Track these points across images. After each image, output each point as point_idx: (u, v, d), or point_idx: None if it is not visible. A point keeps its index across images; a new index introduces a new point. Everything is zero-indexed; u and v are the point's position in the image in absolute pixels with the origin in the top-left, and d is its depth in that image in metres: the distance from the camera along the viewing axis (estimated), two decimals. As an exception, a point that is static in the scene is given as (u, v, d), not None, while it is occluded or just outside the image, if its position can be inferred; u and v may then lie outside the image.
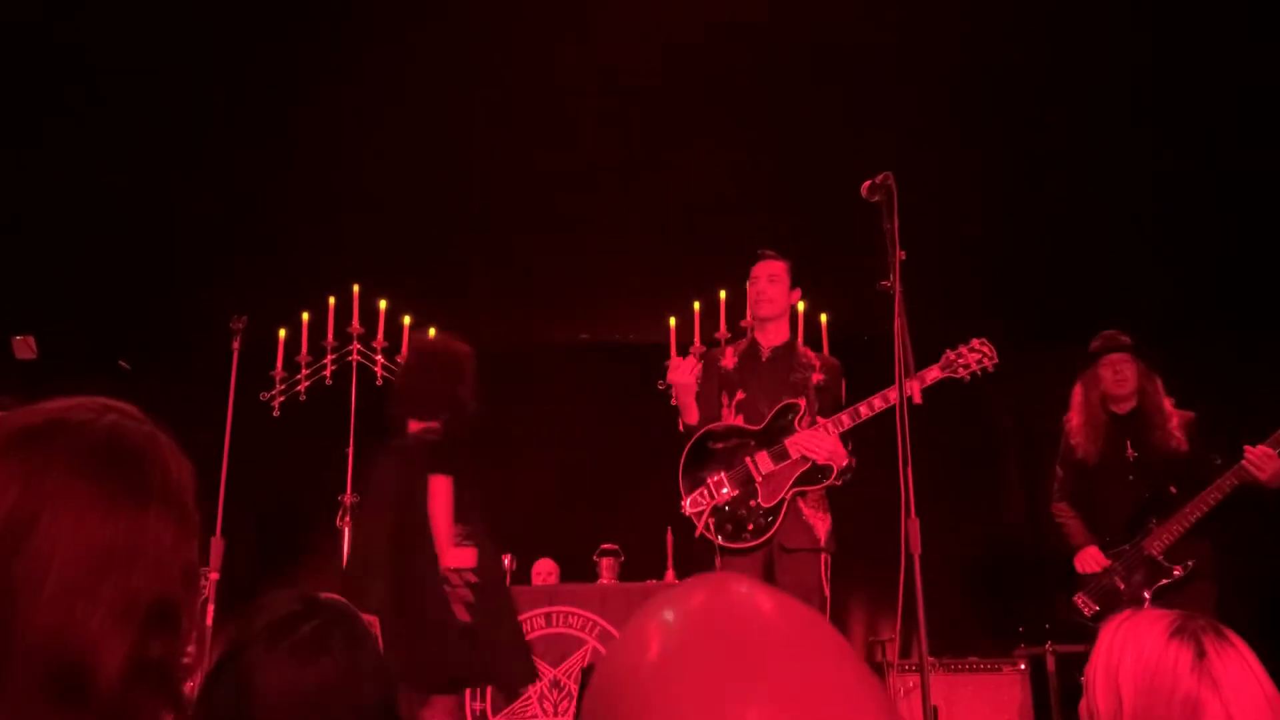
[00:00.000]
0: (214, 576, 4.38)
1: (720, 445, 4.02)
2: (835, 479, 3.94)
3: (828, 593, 3.91)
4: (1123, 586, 4.14)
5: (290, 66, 5.15)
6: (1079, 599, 4.24)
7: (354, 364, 5.73)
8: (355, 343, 5.74)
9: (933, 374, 3.90)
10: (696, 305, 5.77)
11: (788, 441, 3.92)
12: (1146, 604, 4.03)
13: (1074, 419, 4.44)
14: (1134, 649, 1.35)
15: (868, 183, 3.24)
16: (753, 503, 3.91)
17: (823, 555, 3.92)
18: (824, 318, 5.77)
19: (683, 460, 4.03)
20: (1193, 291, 6.02)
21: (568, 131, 5.54)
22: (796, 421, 3.97)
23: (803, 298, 5.55)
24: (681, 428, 4.13)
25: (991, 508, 7.03)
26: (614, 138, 5.56)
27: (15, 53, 4.88)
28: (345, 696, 1.28)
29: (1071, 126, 5.35)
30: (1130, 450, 4.30)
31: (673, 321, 5.88)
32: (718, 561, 3.93)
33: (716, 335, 5.62)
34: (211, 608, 4.35)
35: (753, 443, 3.98)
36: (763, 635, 0.62)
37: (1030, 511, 6.48)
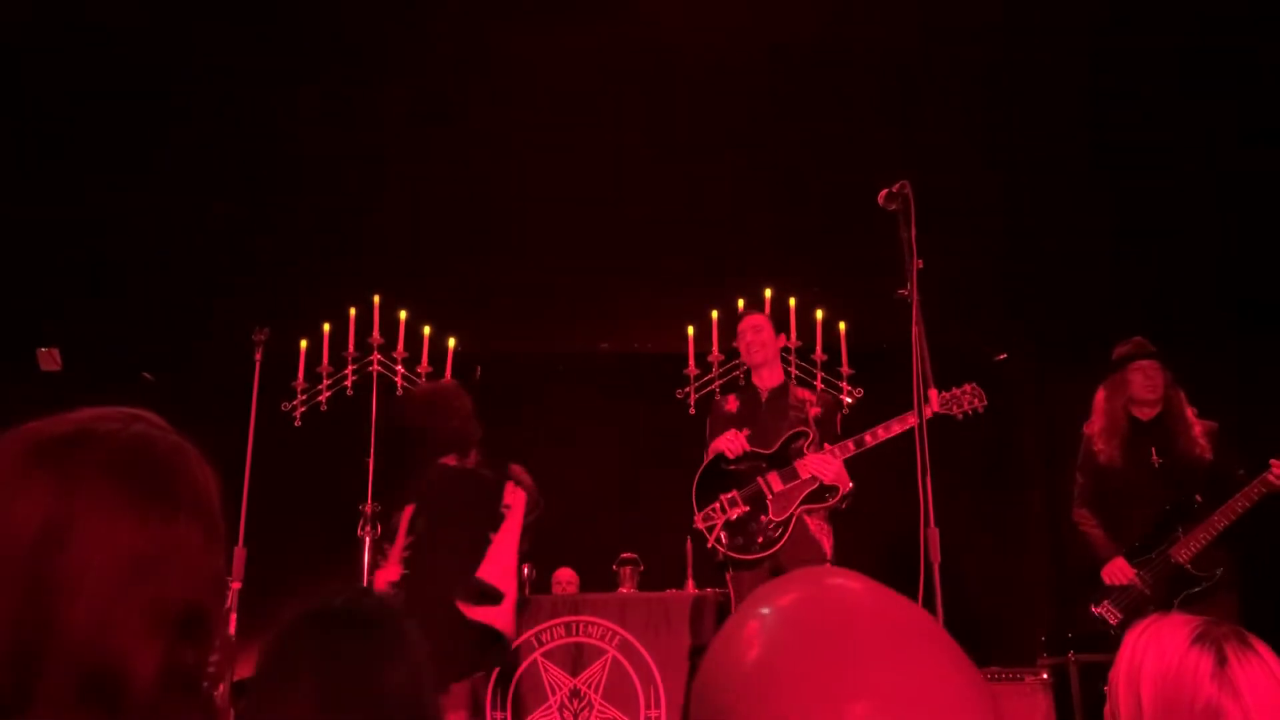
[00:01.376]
0: (236, 586, 4.40)
1: (734, 467, 4.39)
2: (838, 501, 4.29)
3: None
4: (1149, 594, 4.11)
5: (311, 78, 5.20)
6: (1104, 608, 4.20)
7: (374, 374, 5.76)
8: (376, 353, 5.77)
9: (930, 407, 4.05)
10: (715, 314, 5.78)
11: (797, 463, 4.30)
12: (1174, 612, 3.99)
13: (1097, 424, 4.41)
14: (1155, 654, 1.34)
15: (885, 191, 3.24)
16: (763, 518, 4.28)
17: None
18: (842, 326, 5.76)
19: (697, 479, 4.42)
20: (1204, 299, 5.96)
21: (585, 142, 5.57)
22: (805, 446, 4.35)
23: (820, 306, 5.57)
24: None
25: (1013, 515, 6.99)
26: (631, 148, 5.58)
27: (34, 67, 4.95)
28: (387, 689, 1.29)
29: (1090, 133, 5.34)
30: (1155, 457, 4.27)
31: (690, 331, 5.89)
32: (729, 573, 4.35)
33: (735, 344, 5.62)
34: (234, 617, 4.36)
35: (765, 465, 4.35)
36: (862, 626, 0.63)
37: (1052, 519, 6.44)
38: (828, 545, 4.30)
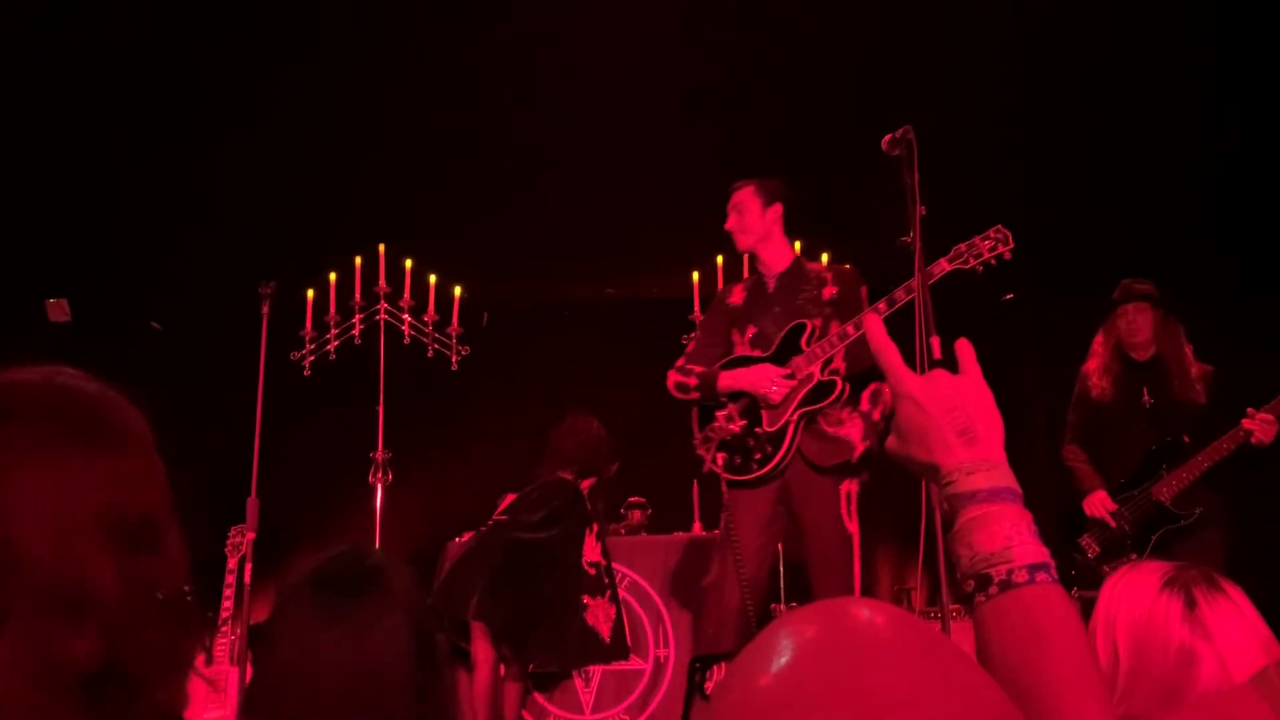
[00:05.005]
0: (250, 535, 4.48)
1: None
2: (838, 397, 3.72)
3: (852, 529, 3.69)
4: (1128, 529, 4.18)
5: (316, 27, 5.17)
6: (1084, 540, 4.28)
7: (382, 323, 5.80)
8: (383, 302, 5.81)
9: (940, 267, 3.61)
10: (720, 259, 5.79)
11: (794, 361, 3.75)
12: (1150, 548, 4.08)
13: (1092, 363, 4.45)
14: (1128, 602, 1.37)
15: (888, 136, 3.20)
16: (759, 430, 3.76)
17: (844, 485, 3.72)
18: (847, 268, 5.76)
19: (696, 401, 3.93)
20: (1209, 241, 5.93)
21: (589, 88, 5.54)
22: (804, 341, 3.77)
23: (824, 251, 5.54)
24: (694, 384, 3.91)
25: (1014, 460, 7.02)
26: (633, 93, 5.55)
27: (44, 15, 4.93)
28: (386, 641, 1.33)
29: (1095, 76, 5.30)
30: (1146, 397, 4.30)
31: (695, 276, 5.90)
32: (726, 496, 3.79)
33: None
34: (250, 566, 4.45)
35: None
36: (878, 680, 0.61)
37: (1053, 462, 6.47)
38: (856, 436, 3.70)
